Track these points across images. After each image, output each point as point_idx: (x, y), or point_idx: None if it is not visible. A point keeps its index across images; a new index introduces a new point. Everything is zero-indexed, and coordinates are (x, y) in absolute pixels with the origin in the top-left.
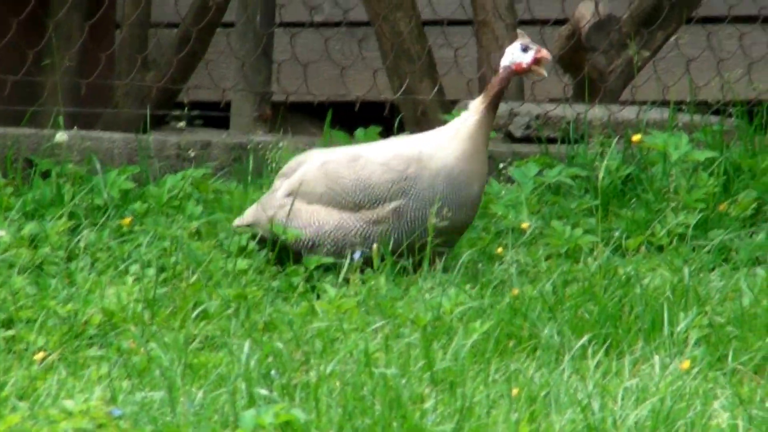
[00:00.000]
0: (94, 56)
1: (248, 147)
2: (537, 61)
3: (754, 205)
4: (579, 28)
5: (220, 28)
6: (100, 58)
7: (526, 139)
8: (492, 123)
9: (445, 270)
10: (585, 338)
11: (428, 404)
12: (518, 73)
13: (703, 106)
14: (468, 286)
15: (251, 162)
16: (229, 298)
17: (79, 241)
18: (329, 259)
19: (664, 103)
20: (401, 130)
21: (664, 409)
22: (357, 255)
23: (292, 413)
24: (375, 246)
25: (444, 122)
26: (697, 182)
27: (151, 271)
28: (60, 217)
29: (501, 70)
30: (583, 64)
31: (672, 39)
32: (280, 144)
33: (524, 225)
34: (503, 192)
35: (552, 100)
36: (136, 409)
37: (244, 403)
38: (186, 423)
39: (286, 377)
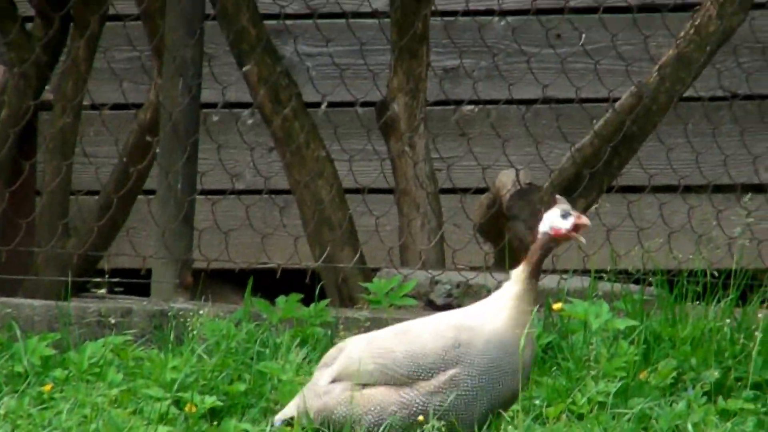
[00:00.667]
0: (14, 223)
1: (169, 314)
2: (576, 228)
3: (673, 374)
4: (500, 197)
5: (141, 195)
6: (20, 225)
7: (448, 307)
8: (536, 290)
9: None
10: None
11: None
12: (557, 240)
13: (623, 275)
14: None
15: (172, 329)
16: None
17: None
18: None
19: (585, 272)
20: (322, 297)
21: None
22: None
23: None
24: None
25: (365, 291)
26: (618, 351)
27: None
28: None
29: (540, 236)
30: (504, 233)
31: (593, 208)
32: (201, 311)
33: None
34: None
35: (473, 269)
36: None
37: None
38: None
39: None
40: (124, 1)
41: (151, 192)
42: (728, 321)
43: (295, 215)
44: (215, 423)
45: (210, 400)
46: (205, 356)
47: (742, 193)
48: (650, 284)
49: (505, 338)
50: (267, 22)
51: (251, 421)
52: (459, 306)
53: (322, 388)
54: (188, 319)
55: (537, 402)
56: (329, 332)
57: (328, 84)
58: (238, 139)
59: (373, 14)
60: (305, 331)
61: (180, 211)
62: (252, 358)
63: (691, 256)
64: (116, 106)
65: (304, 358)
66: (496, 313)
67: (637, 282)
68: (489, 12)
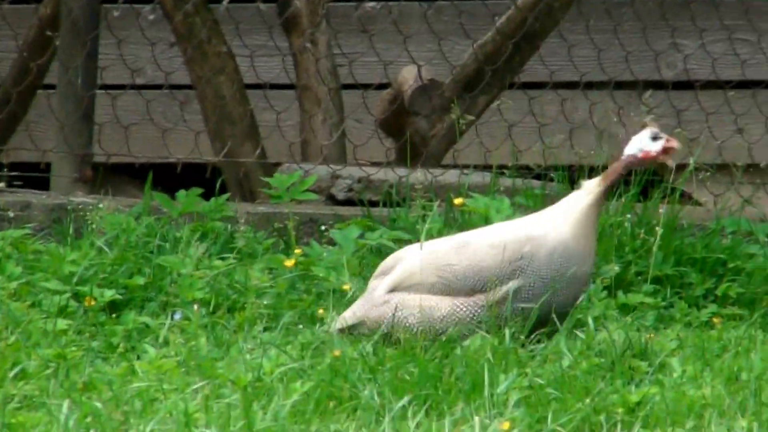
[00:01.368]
0: None
1: (68, 208)
2: (666, 150)
3: None
4: (402, 93)
5: (41, 90)
6: None
7: (348, 202)
8: (603, 206)
9: None
10: (405, 399)
11: None
12: (645, 161)
13: (525, 171)
14: (289, 347)
15: (71, 223)
16: (48, 358)
17: None
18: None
19: (487, 167)
20: (222, 192)
21: None
22: (177, 316)
23: None
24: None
25: (266, 186)
26: None
27: None
28: None
29: (625, 157)
30: (405, 129)
31: (494, 104)
32: (101, 205)
33: (345, 287)
34: (325, 254)
35: (374, 164)
36: None
37: None
38: None
39: None
40: None
41: (52, 87)
42: (629, 216)
43: (196, 110)
44: (114, 316)
45: (109, 294)
46: (105, 249)
47: (644, 89)
48: (551, 180)
49: (570, 250)
50: None
51: (150, 315)
52: (360, 202)
53: (381, 297)
54: (88, 213)
55: None
56: (229, 227)
57: None
58: (139, 35)
59: None
60: (205, 226)
61: (80, 106)
62: (152, 252)
63: (592, 152)
64: (16, 0)
65: (203, 252)
66: (563, 222)
67: (538, 177)
68: None
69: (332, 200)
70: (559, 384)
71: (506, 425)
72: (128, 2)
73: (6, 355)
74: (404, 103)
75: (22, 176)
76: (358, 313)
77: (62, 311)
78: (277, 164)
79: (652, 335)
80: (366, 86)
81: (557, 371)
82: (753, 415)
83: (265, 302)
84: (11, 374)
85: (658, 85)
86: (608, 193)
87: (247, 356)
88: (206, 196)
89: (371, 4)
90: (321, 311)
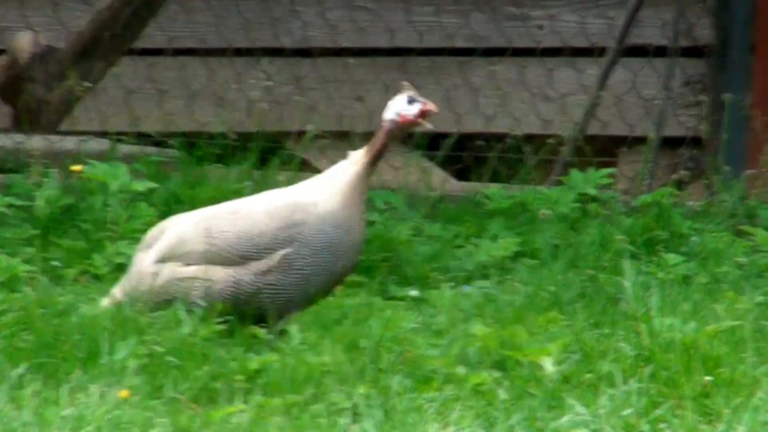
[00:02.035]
0: None
1: None
2: (423, 114)
3: None
4: (18, 59)
5: None
6: None
7: None
8: (371, 175)
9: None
10: (21, 367)
11: None
12: (403, 126)
13: (144, 138)
14: None
15: None
16: None
17: None
18: None
19: (105, 134)
20: None
21: None
22: None
23: None
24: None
25: None
26: (136, 212)
27: None
28: None
29: (385, 124)
30: (22, 95)
31: (112, 70)
32: None
33: None
34: None
35: None
36: None
37: None
38: None
39: None
40: None
41: None
42: (248, 183)
43: None
44: None
45: None
46: None
47: (262, 56)
48: (170, 146)
49: (339, 218)
50: None
51: None
52: None
53: (149, 268)
54: None
55: (56, 264)
56: None
57: None
58: None
59: None
60: None
61: None
62: None
63: (211, 119)
64: None
65: None
66: (332, 193)
67: (157, 144)
68: None
69: None
70: (179, 352)
71: (125, 393)
72: None
73: None
74: (20, 70)
75: None
76: (127, 287)
77: None
78: None
79: None
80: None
81: (176, 339)
82: (371, 382)
83: None
84: None
85: (278, 53)
86: (375, 162)
87: None
88: None
89: None
90: None
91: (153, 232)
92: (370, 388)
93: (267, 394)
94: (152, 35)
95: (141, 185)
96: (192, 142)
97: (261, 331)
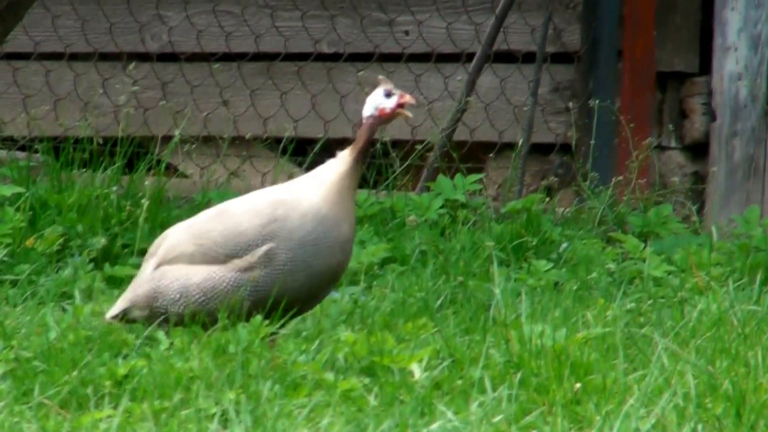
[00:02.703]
0: None
1: None
2: (401, 105)
3: (60, 241)
4: None
5: None
6: None
7: None
8: (359, 173)
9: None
10: None
11: None
12: (382, 119)
13: (9, 142)
14: None
15: None
16: None
17: None
18: None
19: None
20: None
21: None
22: None
23: None
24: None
25: None
26: (4, 217)
27: None
28: None
29: (366, 120)
30: None
31: None
32: None
33: None
34: None
35: None
36: None
37: None
38: None
39: None
40: None
41: None
42: (115, 188)
43: None
44: None
45: None
46: None
47: (128, 61)
48: (36, 151)
49: (322, 213)
50: None
51: None
52: None
53: (148, 275)
54: None
55: None
56: None
57: None
58: None
59: None
60: None
61: None
62: None
63: (77, 123)
64: None
65: None
66: (316, 190)
67: (23, 149)
68: None
69: None
70: (46, 357)
71: None
72: None
73: None
74: None
75: None
76: (129, 295)
77: None
78: None
79: None
80: None
81: (44, 344)
82: (241, 387)
83: None
84: None
85: (144, 57)
86: (362, 159)
87: None
88: None
89: None
90: None
91: (156, 241)
92: (239, 394)
93: (135, 399)
94: (18, 39)
95: (7, 190)
96: (58, 147)
97: (130, 337)
